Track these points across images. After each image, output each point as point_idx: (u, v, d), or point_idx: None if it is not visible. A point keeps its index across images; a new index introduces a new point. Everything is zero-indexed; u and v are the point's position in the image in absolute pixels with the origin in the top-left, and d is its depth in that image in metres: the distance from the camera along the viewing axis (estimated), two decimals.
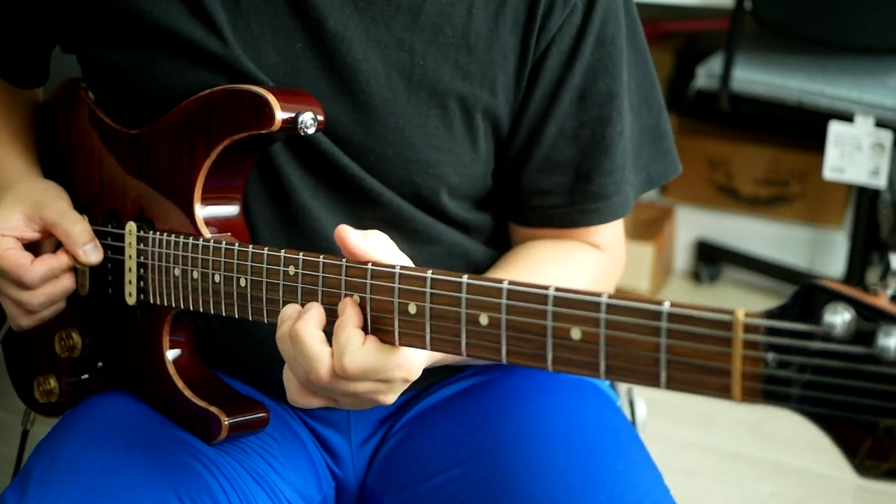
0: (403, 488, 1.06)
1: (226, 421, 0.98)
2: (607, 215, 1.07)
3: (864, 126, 2.30)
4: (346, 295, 0.84)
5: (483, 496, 0.98)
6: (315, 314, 0.83)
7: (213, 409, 0.99)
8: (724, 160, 2.92)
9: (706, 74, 2.48)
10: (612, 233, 1.11)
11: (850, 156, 2.34)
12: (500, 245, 1.13)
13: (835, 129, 2.33)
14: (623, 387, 1.34)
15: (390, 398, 0.85)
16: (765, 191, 2.90)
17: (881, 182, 2.35)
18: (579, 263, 1.08)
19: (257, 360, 1.08)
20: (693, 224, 3.00)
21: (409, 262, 0.85)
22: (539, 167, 1.05)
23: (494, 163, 1.07)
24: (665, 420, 2.22)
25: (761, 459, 2.16)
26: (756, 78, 2.40)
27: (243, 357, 1.08)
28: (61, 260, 1.03)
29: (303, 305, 0.87)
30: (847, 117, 2.32)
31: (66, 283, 1.04)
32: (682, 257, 3.03)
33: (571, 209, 1.07)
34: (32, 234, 1.04)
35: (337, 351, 0.81)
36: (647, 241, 2.77)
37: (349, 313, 0.82)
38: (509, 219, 1.12)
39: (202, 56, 0.98)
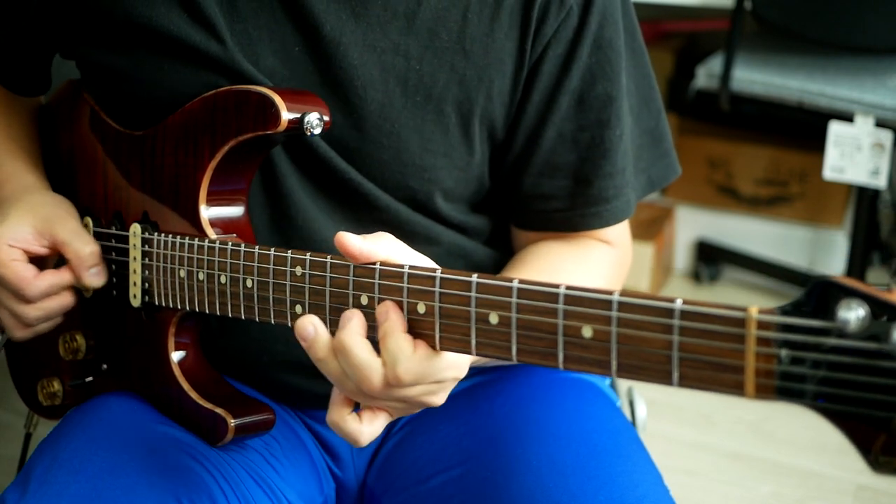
0: (404, 489, 1.06)
1: (232, 422, 0.98)
2: (608, 219, 1.07)
3: (864, 126, 2.30)
4: (379, 299, 0.82)
5: (483, 497, 0.98)
6: (358, 323, 0.81)
7: (219, 410, 0.99)
8: (724, 160, 2.92)
9: (706, 74, 2.48)
10: (619, 230, 1.11)
11: (850, 156, 2.34)
12: (499, 245, 1.13)
13: (835, 129, 2.33)
14: (623, 387, 1.34)
15: (441, 398, 0.85)
16: (765, 191, 2.90)
17: (881, 182, 2.35)
18: (594, 262, 1.08)
19: (258, 362, 1.07)
20: (693, 224, 3.00)
21: (419, 258, 0.85)
22: (539, 171, 1.05)
23: (494, 167, 1.07)
24: (665, 420, 2.22)
25: (761, 459, 2.16)
26: (756, 78, 2.40)
27: (244, 360, 1.08)
28: (64, 277, 1.03)
29: (309, 309, 0.86)
30: (847, 117, 2.32)
31: (66, 299, 1.04)
32: (682, 257, 3.03)
33: (572, 213, 1.07)
34: (39, 249, 1.04)
35: (389, 360, 0.79)
36: (647, 241, 2.77)
37: (393, 318, 0.80)
38: (511, 222, 1.13)
39: (203, 59, 0.98)
